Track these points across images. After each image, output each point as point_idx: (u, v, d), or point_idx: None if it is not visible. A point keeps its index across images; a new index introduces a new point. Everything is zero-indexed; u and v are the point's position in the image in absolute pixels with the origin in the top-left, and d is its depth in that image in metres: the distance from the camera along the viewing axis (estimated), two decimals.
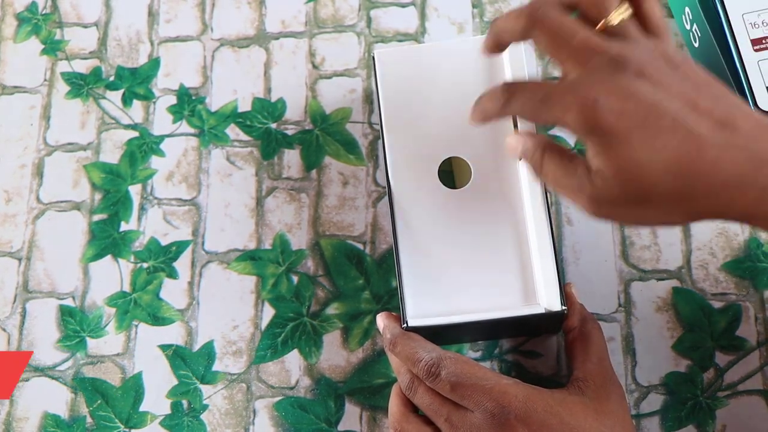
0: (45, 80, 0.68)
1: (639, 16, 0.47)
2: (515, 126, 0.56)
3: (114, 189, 0.64)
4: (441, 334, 0.55)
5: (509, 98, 0.47)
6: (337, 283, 0.61)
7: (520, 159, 0.51)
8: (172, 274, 0.62)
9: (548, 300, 0.56)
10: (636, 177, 0.43)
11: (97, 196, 0.64)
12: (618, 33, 0.45)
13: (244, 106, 0.66)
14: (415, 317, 0.55)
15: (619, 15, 0.46)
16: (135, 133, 0.66)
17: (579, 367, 0.52)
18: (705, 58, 0.62)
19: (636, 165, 0.43)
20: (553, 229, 0.56)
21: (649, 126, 0.43)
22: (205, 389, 0.59)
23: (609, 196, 0.44)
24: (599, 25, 0.46)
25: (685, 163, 0.42)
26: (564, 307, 0.53)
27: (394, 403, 0.53)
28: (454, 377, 0.49)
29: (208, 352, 0.60)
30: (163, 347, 0.60)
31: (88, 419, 0.59)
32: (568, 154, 0.47)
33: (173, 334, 0.60)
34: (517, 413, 0.47)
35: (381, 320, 0.55)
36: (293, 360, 0.59)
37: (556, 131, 0.63)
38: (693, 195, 0.43)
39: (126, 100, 0.67)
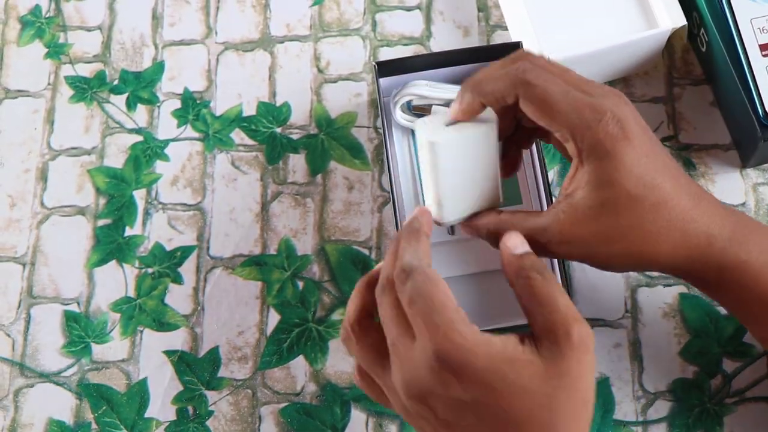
0: (49, 84, 0.68)
1: None
2: None
3: (118, 194, 0.64)
4: None
5: (529, 86, 0.48)
6: (342, 288, 0.60)
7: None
8: (177, 280, 0.62)
9: None
10: (620, 207, 0.46)
11: (102, 201, 0.64)
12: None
13: (249, 110, 0.66)
14: None
15: None
16: (139, 138, 0.65)
17: (530, 322, 0.46)
18: (712, 63, 0.62)
19: (625, 196, 0.46)
20: None
21: (650, 161, 0.47)
22: (211, 395, 0.59)
23: (583, 209, 0.47)
24: None
25: (671, 206, 0.47)
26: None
27: (354, 300, 0.49)
28: (416, 294, 0.44)
29: (214, 358, 0.60)
30: (168, 353, 0.60)
31: (93, 425, 0.58)
32: (520, 214, 0.50)
33: (178, 339, 0.60)
34: (454, 365, 0.43)
35: (416, 212, 0.50)
36: (299, 366, 0.59)
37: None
38: (666, 242, 0.47)
39: (130, 104, 0.66)
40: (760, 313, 0.49)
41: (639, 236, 0.47)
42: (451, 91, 0.59)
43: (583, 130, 0.46)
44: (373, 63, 0.60)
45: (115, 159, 0.65)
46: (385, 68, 0.60)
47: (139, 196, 0.64)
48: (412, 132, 0.61)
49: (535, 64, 0.48)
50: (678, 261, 0.48)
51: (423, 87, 0.59)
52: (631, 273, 0.59)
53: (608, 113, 0.46)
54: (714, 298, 0.51)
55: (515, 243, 0.47)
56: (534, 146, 0.58)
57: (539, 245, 0.48)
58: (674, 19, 0.61)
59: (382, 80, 0.60)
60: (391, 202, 0.59)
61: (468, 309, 0.56)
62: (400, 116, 0.60)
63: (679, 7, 0.61)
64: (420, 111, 0.60)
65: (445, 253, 0.58)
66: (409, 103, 0.60)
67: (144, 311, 0.61)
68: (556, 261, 0.56)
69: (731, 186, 0.61)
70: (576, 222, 0.47)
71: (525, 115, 0.48)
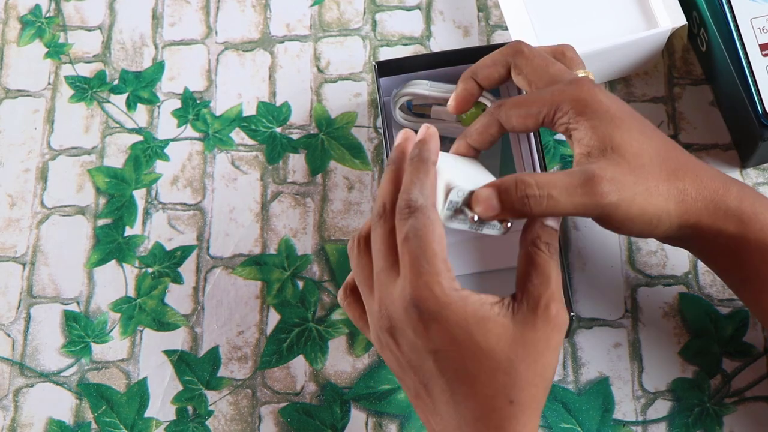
0: (49, 84, 0.68)
1: None
2: None
3: (118, 193, 0.64)
4: None
5: (501, 107, 0.51)
6: None
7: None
8: (177, 279, 0.62)
9: None
10: (635, 149, 0.48)
11: (102, 201, 0.64)
12: None
13: (249, 110, 0.66)
14: None
15: (583, 72, 0.53)
16: (139, 137, 0.65)
17: (519, 285, 0.47)
18: (712, 63, 0.62)
19: (638, 141, 0.48)
20: (560, 236, 0.56)
21: (635, 119, 0.49)
22: (211, 395, 0.59)
23: (604, 152, 0.48)
24: None
25: (675, 154, 0.49)
26: (573, 314, 0.53)
27: (364, 225, 0.50)
28: (413, 234, 0.45)
29: (213, 357, 0.60)
30: (168, 353, 0.60)
31: (93, 425, 0.58)
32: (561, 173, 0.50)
33: (178, 339, 0.60)
34: (426, 314, 0.44)
35: (424, 134, 0.49)
36: (299, 366, 0.59)
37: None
38: (687, 175, 0.48)
39: (130, 104, 0.67)
40: None
41: (659, 172, 0.48)
42: (451, 91, 0.59)
43: (554, 98, 0.49)
44: (373, 63, 0.60)
45: (115, 159, 0.65)
46: (385, 68, 0.60)
47: (139, 195, 0.64)
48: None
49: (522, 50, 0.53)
50: (699, 205, 0.48)
51: (423, 86, 0.59)
52: (630, 272, 0.59)
53: (574, 80, 0.50)
54: (731, 266, 0.51)
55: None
56: (534, 147, 0.58)
57: (580, 202, 0.47)
58: (674, 18, 0.61)
59: (382, 80, 0.60)
60: None
61: None
62: (399, 116, 0.60)
63: (679, 6, 0.61)
64: (420, 111, 0.60)
65: (453, 252, 0.58)
66: (409, 102, 0.60)
67: (144, 311, 0.61)
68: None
69: None
70: (604, 168, 0.47)
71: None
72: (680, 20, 0.60)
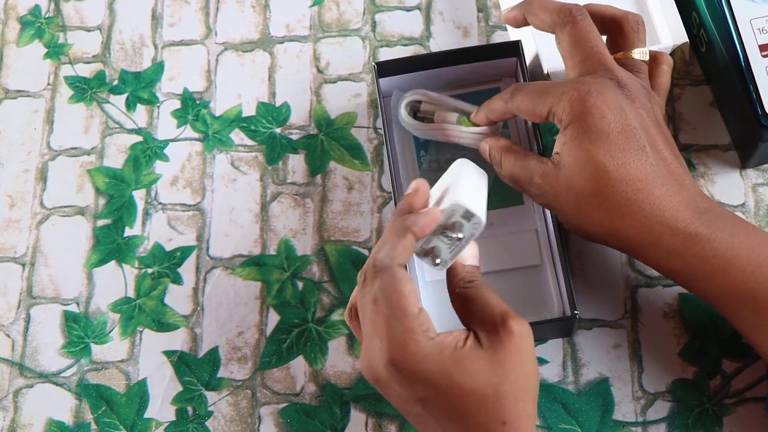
0: (48, 84, 0.68)
1: (650, 71, 0.55)
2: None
3: (118, 194, 0.64)
4: None
5: (514, 94, 0.53)
6: (342, 288, 0.60)
7: (489, 160, 0.55)
8: (177, 280, 0.61)
9: (559, 305, 0.56)
10: (587, 173, 0.49)
11: (101, 201, 0.64)
12: (630, 67, 0.53)
13: (249, 110, 0.66)
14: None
15: (639, 53, 0.53)
16: (139, 138, 0.65)
17: (468, 323, 0.48)
18: (712, 64, 0.62)
19: (592, 163, 0.49)
20: (563, 236, 0.56)
21: (620, 139, 0.49)
22: (210, 396, 0.59)
23: (555, 185, 0.51)
24: (618, 54, 0.54)
25: (636, 187, 0.49)
26: (576, 312, 0.54)
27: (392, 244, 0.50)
28: (380, 295, 0.46)
29: (213, 358, 0.60)
30: (168, 353, 0.60)
31: (93, 426, 0.58)
32: (523, 152, 0.54)
33: (178, 340, 0.60)
34: (406, 372, 0.45)
35: (411, 197, 0.50)
36: (298, 366, 0.59)
37: None
38: (627, 217, 0.49)
39: (130, 105, 0.66)
40: (732, 307, 0.51)
41: (601, 204, 0.49)
42: (453, 102, 0.59)
43: (557, 98, 0.50)
44: (373, 63, 0.60)
45: (115, 159, 0.65)
46: (385, 69, 0.60)
47: (138, 196, 0.64)
48: (415, 138, 0.61)
49: (586, 13, 0.53)
50: (638, 242, 0.50)
51: (430, 93, 0.59)
52: (630, 273, 0.59)
53: (578, 85, 0.50)
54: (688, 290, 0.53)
55: (468, 253, 0.50)
56: (536, 149, 0.58)
57: (525, 184, 0.53)
58: (676, 36, 0.60)
59: (381, 81, 0.60)
60: (393, 203, 0.59)
61: None
62: (403, 114, 0.59)
63: (681, 24, 0.60)
64: (424, 116, 0.60)
65: None
66: (414, 106, 0.60)
67: (143, 311, 0.61)
68: (558, 262, 0.56)
69: (731, 186, 0.61)
70: (554, 174, 0.51)
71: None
72: (682, 38, 0.60)
